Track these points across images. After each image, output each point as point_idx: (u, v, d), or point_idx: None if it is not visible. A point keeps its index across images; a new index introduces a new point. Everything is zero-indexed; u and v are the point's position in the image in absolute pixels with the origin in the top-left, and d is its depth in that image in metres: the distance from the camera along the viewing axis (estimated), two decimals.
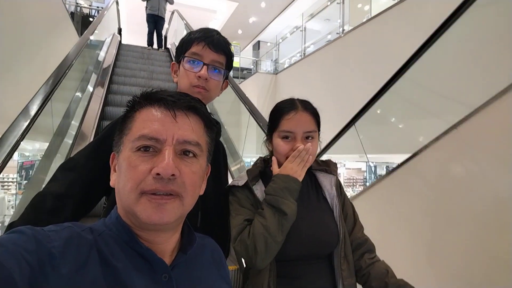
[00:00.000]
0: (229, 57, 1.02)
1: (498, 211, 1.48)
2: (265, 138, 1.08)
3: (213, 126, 0.65)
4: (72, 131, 3.03)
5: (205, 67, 0.95)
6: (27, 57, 4.08)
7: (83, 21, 7.61)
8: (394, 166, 1.99)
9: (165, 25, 7.46)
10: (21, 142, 1.79)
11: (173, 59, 1.08)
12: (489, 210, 1.51)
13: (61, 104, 2.98)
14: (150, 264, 0.54)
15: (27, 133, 1.87)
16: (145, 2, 6.95)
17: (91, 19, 7.94)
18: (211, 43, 0.96)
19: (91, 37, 4.12)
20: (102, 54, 4.99)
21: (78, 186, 0.80)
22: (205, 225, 0.94)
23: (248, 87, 8.86)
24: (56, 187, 0.79)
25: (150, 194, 0.51)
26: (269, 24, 13.22)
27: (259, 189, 0.99)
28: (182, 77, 0.98)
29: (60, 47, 4.68)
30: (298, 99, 1.01)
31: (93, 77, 4.10)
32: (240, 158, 3.73)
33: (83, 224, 0.54)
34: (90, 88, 3.81)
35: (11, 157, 1.69)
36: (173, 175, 0.51)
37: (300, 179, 0.93)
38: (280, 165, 0.98)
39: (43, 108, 2.14)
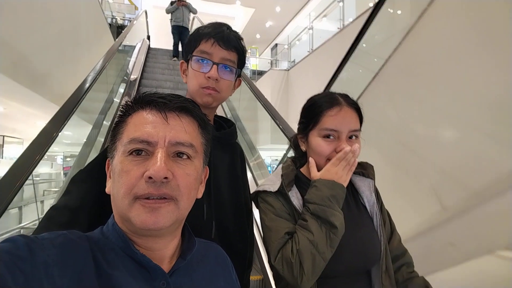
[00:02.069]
0: (241, 54, 0.94)
1: (408, 133, 2.11)
2: (295, 136, 0.98)
3: (208, 127, 0.64)
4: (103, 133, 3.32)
5: (214, 66, 0.88)
6: (81, 54, 5.39)
7: (117, 31, 8.75)
8: None
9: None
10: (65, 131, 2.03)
11: None
12: (404, 131, 2.13)
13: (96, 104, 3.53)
14: (148, 271, 0.52)
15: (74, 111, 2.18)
16: (170, 14, 7.12)
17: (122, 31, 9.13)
18: (221, 39, 0.88)
19: (124, 44, 5.05)
20: (131, 62, 5.63)
21: (91, 197, 0.77)
22: (222, 235, 0.87)
23: (263, 84, 9.64)
24: (69, 200, 0.77)
25: (143, 198, 0.50)
26: (284, 27, 13.94)
27: (294, 196, 0.88)
28: (191, 78, 0.91)
29: (101, 49, 5.81)
30: (337, 93, 0.91)
31: (122, 87, 4.42)
32: (257, 153, 3.98)
33: (80, 232, 0.53)
34: (117, 100, 4.02)
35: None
36: (166, 178, 0.50)
37: (345, 185, 0.83)
38: (319, 167, 0.87)
39: (89, 89, 2.62)
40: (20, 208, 3.80)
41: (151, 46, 7.85)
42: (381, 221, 0.90)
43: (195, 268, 0.60)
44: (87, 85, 2.63)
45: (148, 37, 8.51)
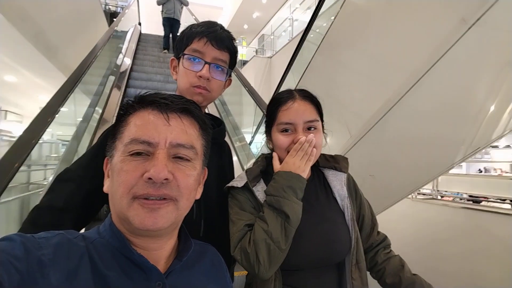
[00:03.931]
0: (233, 54, 0.95)
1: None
2: (265, 136, 1.00)
3: (208, 129, 0.63)
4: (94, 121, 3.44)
5: (206, 66, 0.89)
6: (81, 34, 6.16)
7: (110, 19, 9.25)
8: None
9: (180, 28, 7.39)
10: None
11: None
12: (331, 87, 2.90)
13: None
14: (144, 272, 0.52)
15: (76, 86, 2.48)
16: (161, 6, 7.13)
17: (114, 19, 9.66)
18: (213, 39, 0.89)
19: (117, 30, 5.67)
20: (124, 49, 5.82)
21: (77, 198, 0.76)
22: (209, 233, 0.89)
23: (247, 71, 10.30)
24: (54, 200, 0.75)
25: (142, 199, 0.51)
26: (271, 18, 14.52)
27: (260, 190, 0.90)
28: (181, 76, 0.91)
29: (97, 33, 6.49)
30: (295, 89, 0.95)
31: (111, 79, 4.44)
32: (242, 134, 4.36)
33: (76, 232, 0.53)
34: (106, 93, 4.04)
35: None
36: (166, 179, 0.51)
37: (304, 175, 0.84)
38: (282, 161, 0.88)
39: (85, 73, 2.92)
40: (28, 166, 4.45)
41: (142, 32, 8.42)
42: (353, 215, 0.91)
43: (191, 269, 0.60)
44: (86, 64, 3.00)
45: (140, 24, 9.05)
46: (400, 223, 5.01)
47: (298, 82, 3.50)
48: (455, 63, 1.92)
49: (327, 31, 2.87)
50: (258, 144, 4.46)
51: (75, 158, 2.57)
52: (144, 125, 0.54)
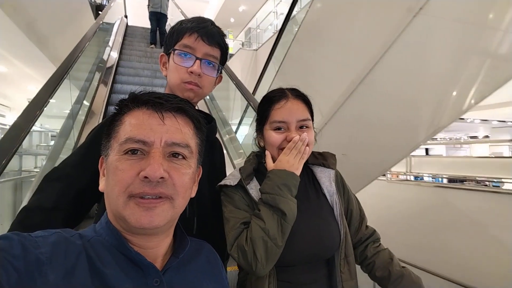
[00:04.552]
0: (224, 50, 0.95)
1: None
2: (255, 134, 1.01)
3: (202, 127, 0.64)
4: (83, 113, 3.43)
5: (197, 61, 0.88)
6: (69, 26, 6.31)
7: (96, 12, 9.27)
8: None
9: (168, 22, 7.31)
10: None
11: None
12: (309, 75, 3.15)
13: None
14: (141, 269, 0.53)
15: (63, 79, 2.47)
16: (147, 0, 7.00)
17: (100, 12, 9.68)
18: (204, 34, 0.89)
19: (104, 22, 5.83)
20: (111, 41, 5.80)
21: (68, 197, 0.76)
22: (202, 230, 0.89)
23: (233, 63, 10.45)
24: (43, 200, 0.74)
25: (138, 197, 0.51)
26: (257, 11, 14.61)
27: (254, 188, 0.91)
28: (172, 71, 0.90)
29: (84, 23, 6.64)
30: (287, 88, 0.96)
31: (97, 76, 4.38)
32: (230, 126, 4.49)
33: (72, 230, 0.54)
34: (94, 85, 4.02)
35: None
36: (161, 178, 0.51)
37: (298, 172, 0.86)
38: (274, 159, 0.90)
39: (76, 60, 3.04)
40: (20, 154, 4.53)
41: (128, 24, 8.48)
42: (341, 210, 0.94)
43: (187, 266, 0.61)
44: (76, 54, 3.13)
45: (126, 16, 9.09)
46: (377, 203, 5.36)
47: (278, 70, 3.75)
48: (407, 49, 2.20)
49: (302, 21, 3.13)
50: (243, 135, 4.68)
51: (64, 152, 2.71)
52: (139, 124, 0.54)
